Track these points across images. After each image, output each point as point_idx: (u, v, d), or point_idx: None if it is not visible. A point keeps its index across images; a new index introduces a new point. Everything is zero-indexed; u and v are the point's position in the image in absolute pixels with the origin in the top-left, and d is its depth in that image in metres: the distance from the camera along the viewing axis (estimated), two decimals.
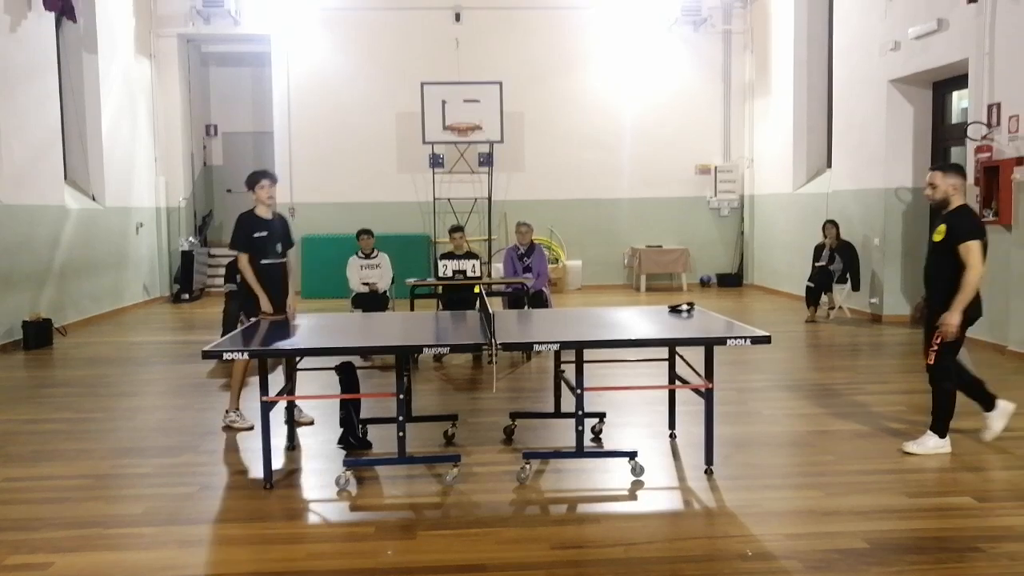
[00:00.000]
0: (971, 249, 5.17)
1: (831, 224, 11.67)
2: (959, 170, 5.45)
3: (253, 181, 6.44)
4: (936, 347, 5.32)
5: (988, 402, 5.68)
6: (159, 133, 15.17)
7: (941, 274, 5.35)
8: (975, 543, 4.05)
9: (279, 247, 6.45)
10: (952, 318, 5.20)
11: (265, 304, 6.27)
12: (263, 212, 6.42)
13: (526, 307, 9.01)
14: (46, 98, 11.21)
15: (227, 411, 6.37)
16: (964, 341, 5.43)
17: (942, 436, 5.46)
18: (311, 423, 6.36)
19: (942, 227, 5.32)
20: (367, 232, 10.15)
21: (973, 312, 5.31)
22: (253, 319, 6.21)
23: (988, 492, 4.78)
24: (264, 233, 6.34)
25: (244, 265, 6.31)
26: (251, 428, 6.15)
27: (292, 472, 5.33)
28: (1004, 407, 5.66)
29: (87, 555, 4.08)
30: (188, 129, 15.94)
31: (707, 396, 5.07)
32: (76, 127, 12.70)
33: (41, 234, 10.91)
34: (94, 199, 12.77)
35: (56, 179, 11.50)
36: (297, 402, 6.22)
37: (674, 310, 5.81)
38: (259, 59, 16.14)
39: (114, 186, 13.18)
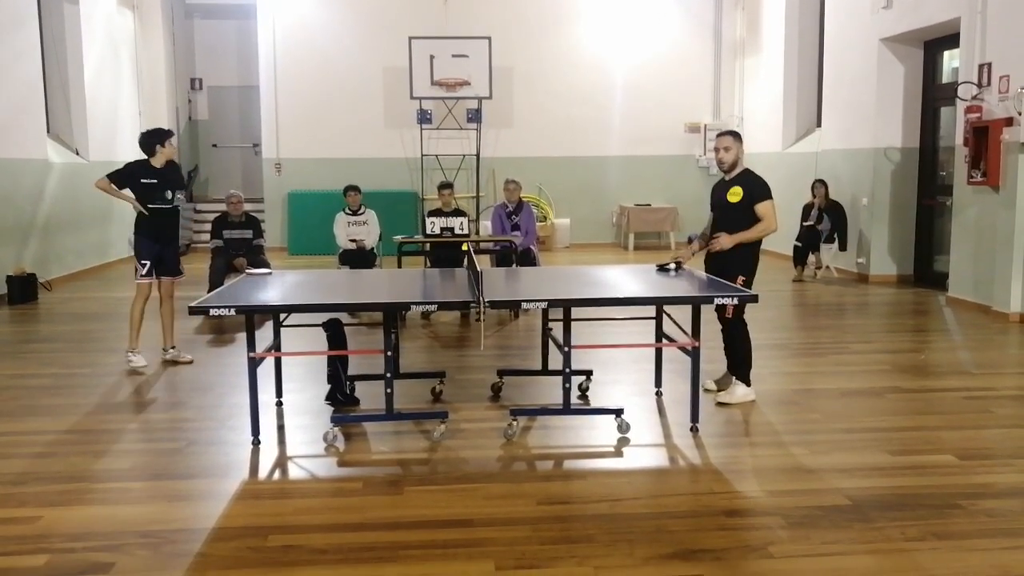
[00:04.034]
0: (768, 207, 5.63)
1: (820, 183, 11.67)
2: (741, 137, 5.90)
3: (160, 139, 6.79)
4: (734, 305, 5.54)
5: (744, 376, 5.82)
6: (143, 86, 14.94)
7: (738, 231, 5.65)
8: (955, 500, 4.11)
9: (168, 194, 6.83)
10: (728, 242, 5.62)
11: (135, 204, 6.76)
12: (156, 162, 6.81)
13: (514, 265, 9.00)
14: (27, 50, 11.00)
15: (127, 351, 6.84)
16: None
17: (748, 384, 5.77)
18: (190, 362, 6.93)
19: (737, 189, 5.71)
20: (354, 188, 10.08)
21: (753, 271, 5.73)
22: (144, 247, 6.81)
23: (969, 450, 4.83)
24: (153, 180, 6.75)
25: (102, 184, 6.74)
26: (145, 365, 6.74)
27: (279, 428, 5.34)
28: (748, 392, 5.79)
29: (75, 509, 4.09)
30: (173, 83, 15.70)
31: (693, 354, 5.10)
32: (58, 80, 12.48)
33: (24, 188, 10.79)
34: (77, 153, 12.60)
35: (39, 133, 11.35)
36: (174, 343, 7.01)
37: (662, 268, 5.82)
38: (244, 11, 15.86)
39: (98, 140, 13.00)
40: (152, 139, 6.81)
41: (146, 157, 6.80)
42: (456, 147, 15.07)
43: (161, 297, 6.95)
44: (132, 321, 6.85)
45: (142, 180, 6.73)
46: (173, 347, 7.02)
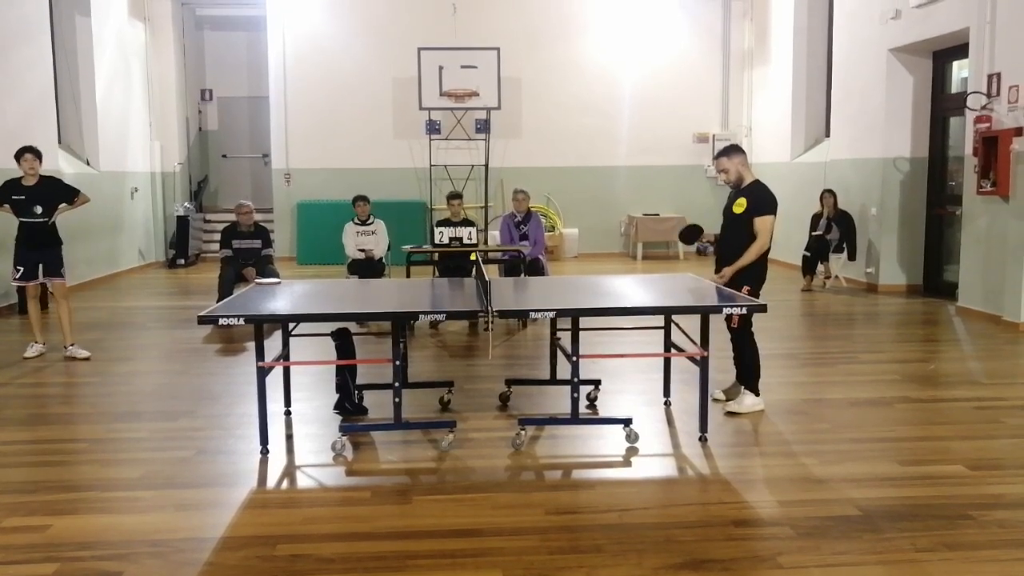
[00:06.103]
0: (765, 222, 5.62)
1: (829, 193, 11.65)
2: (739, 149, 5.89)
3: (17, 155, 7.53)
4: (741, 314, 5.46)
5: (753, 386, 5.81)
6: (154, 97, 15.03)
7: (741, 243, 5.67)
8: (966, 511, 4.09)
9: (38, 208, 7.49)
10: (730, 273, 5.65)
11: (9, 213, 7.52)
12: (27, 180, 7.52)
13: (522, 275, 9.01)
14: (39, 60, 11.08)
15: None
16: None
17: (756, 394, 5.77)
18: (87, 358, 7.48)
19: (743, 200, 5.71)
20: (363, 198, 10.10)
21: (760, 281, 5.72)
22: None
23: (980, 461, 4.81)
24: (22, 197, 7.47)
25: None
26: (36, 356, 7.53)
27: (288, 437, 5.35)
28: (757, 402, 5.78)
29: (85, 518, 4.10)
30: (183, 93, 15.80)
31: (702, 364, 5.09)
32: (70, 90, 12.57)
33: None
34: (88, 163, 12.68)
35: (50, 143, 11.38)
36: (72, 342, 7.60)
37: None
38: (255, 23, 15.96)
39: (109, 150, 13.08)
40: (15, 155, 7.51)
41: (21, 175, 7.50)
42: (465, 157, 15.11)
43: (55, 299, 7.74)
44: (30, 319, 7.80)
45: (12, 197, 7.47)
46: (72, 344, 7.60)
